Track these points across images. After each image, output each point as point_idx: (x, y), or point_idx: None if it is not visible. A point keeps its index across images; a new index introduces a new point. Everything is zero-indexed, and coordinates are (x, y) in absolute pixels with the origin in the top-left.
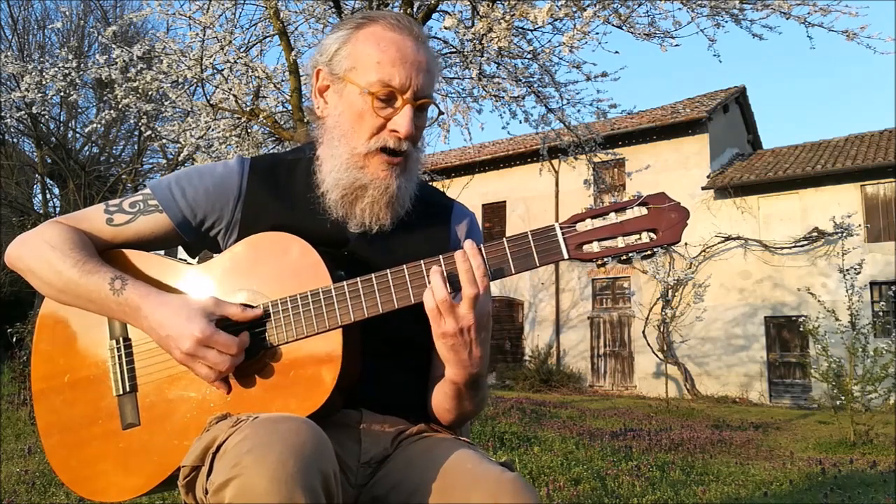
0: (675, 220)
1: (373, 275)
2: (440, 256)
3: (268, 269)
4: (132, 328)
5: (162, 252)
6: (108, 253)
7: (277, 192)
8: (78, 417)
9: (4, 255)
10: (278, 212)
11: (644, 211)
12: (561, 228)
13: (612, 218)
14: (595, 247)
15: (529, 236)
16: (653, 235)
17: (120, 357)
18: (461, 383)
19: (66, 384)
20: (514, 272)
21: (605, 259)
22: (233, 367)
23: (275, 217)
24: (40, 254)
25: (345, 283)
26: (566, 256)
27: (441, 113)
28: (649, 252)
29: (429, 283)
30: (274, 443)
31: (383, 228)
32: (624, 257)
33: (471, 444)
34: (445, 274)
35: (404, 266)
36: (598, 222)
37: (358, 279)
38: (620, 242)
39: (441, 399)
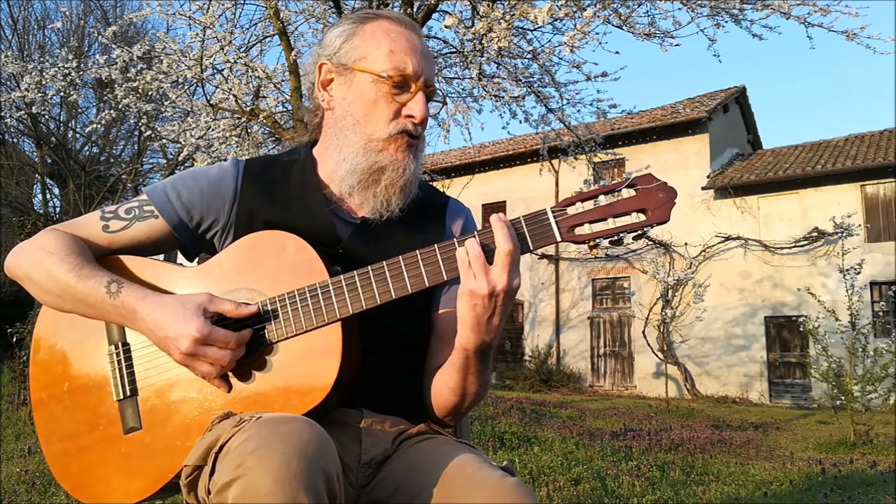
0: (663, 200)
1: (369, 267)
2: (435, 245)
3: (264, 268)
4: (130, 332)
5: (161, 256)
6: (105, 258)
7: (272, 192)
8: (78, 424)
9: (4, 265)
10: (273, 212)
11: (633, 192)
12: (553, 212)
13: (602, 200)
14: (586, 229)
15: (522, 221)
16: (642, 216)
17: (119, 362)
18: (471, 350)
19: (66, 392)
20: None
21: (597, 241)
22: (234, 362)
23: (270, 217)
24: (37, 261)
25: (342, 276)
26: (559, 239)
27: (444, 103)
28: (640, 231)
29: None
30: (277, 443)
31: (392, 215)
32: (615, 238)
33: (471, 446)
34: (441, 262)
35: (400, 257)
36: (589, 205)
37: (355, 272)
38: (611, 224)
39: (446, 376)
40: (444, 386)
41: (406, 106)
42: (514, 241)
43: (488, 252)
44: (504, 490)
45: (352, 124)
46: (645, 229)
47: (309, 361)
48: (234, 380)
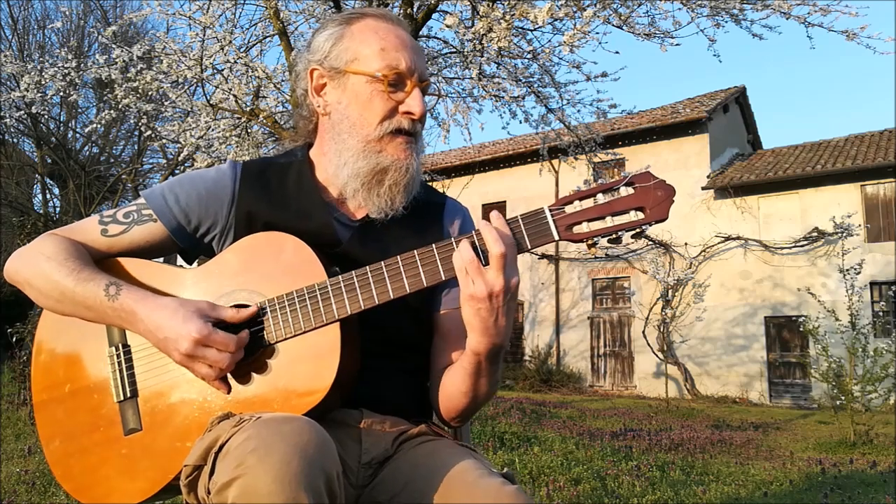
0: (661, 198)
1: (367, 267)
2: (433, 245)
3: (263, 269)
4: (131, 334)
5: (161, 259)
6: (104, 262)
7: (270, 195)
8: (79, 426)
9: (4, 270)
10: (272, 214)
11: (631, 190)
12: (550, 210)
13: (601, 198)
14: (584, 227)
15: (520, 220)
16: (640, 214)
17: (119, 363)
18: (483, 354)
19: (67, 394)
20: None
21: (595, 239)
22: (233, 364)
23: (268, 220)
24: (36, 265)
25: (340, 277)
26: (556, 237)
27: (440, 96)
28: (638, 230)
29: (449, 256)
30: (278, 443)
31: (396, 214)
32: (613, 236)
33: (472, 449)
34: (440, 261)
35: (398, 257)
36: (587, 203)
37: (353, 272)
38: (609, 222)
39: (457, 380)
40: (454, 390)
41: (404, 103)
42: (505, 241)
43: (485, 253)
44: (504, 498)
45: (348, 127)
46: (643, 227)
47: (308, 362)
48: (233, 381)
